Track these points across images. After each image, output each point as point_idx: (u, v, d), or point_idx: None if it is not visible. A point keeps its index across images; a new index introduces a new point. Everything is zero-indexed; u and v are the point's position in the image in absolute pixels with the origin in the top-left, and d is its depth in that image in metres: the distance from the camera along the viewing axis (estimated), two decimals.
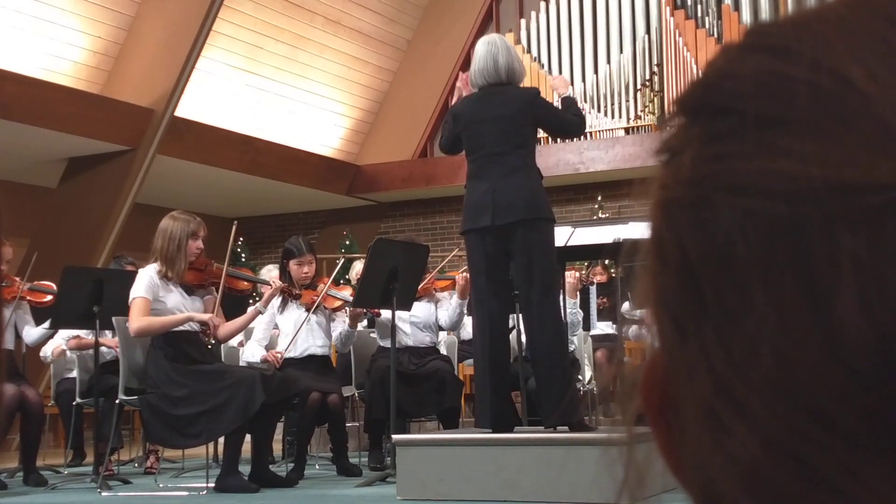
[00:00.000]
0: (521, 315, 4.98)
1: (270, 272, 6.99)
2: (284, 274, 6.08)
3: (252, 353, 6.04)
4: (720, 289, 0.31)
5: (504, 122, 4.63)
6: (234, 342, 6.59)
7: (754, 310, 0.31)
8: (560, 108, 4.98)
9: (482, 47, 4.79)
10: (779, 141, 0.31)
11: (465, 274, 5.82)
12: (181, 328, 5.34)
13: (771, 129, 0.31)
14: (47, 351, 6.88)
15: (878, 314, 0.29)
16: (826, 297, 0.30)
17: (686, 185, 0.33)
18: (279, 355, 5.92)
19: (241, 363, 6.15)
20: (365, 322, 6.92)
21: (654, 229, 0.34)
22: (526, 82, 11.34)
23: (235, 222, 6.30)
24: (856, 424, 0.29)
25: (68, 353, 6.82)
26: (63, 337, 6.77)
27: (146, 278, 5.32)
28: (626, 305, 6.68)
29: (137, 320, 5.24)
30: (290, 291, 5.95)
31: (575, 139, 11.28)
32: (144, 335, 5.33)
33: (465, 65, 10.98)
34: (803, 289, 0.30)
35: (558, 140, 11.27)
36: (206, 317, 5.33)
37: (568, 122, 4.91)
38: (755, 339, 0.30)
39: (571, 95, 5.14)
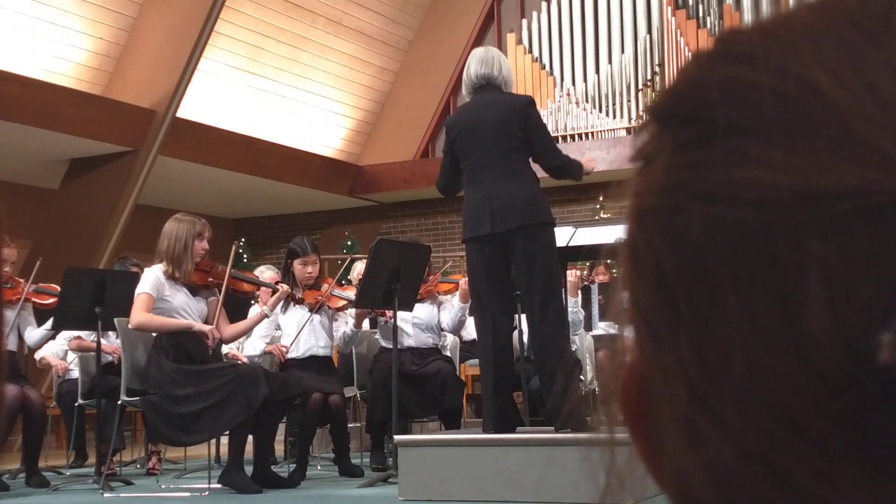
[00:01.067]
0: (523, 317, 4.97)
1: (264, 273, 6.98)
2: (288, 274, 6.09)
3: (253, 346, 6.03)
4: (693, 296, 0.32)
5: (497, 126, 4.63)
6: (225, 347, 6.58)
7: (726, 317, 0.31)
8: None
9: (470, 59, 4.83)
10: (747, 149, 0.31)
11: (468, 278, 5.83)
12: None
13: (739, 136, 0.31)
14: (42, 353, 6.87)
15: (846, 321, 0.29)
16: (795, 305, 0.30)
17: (658, 193, 0.33)
18: (284, 349, 5.93)
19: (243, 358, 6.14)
20: (367, 323, 6.92)
21: (629, 236, 0.34)
22: (527, 83, 11.24)
23: (235, 242, 6.26)
24: (827, 431, 0.29)
25: (71, 352, 6.83)
26: (66, 337, 6.78)
27: (152, 276, 5.35)
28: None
29: (139, 314, 5.28)
30: (292, 296, 5.95)
31: (576, 140, 11.29)
32: (142, 330, 5.38)
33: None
34: (773, 296, 0.30)
35: (559, 140, 11.27)
36: (206, 328, 5.33)
37: (555, 152, 4.81)
38: (727, 347, 0.31)
39: (581, 168, 4.92)
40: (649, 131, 0.35)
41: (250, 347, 6.08)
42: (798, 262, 0.30)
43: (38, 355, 6.98)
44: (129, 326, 5.40)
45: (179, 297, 5.38)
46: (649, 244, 0.33)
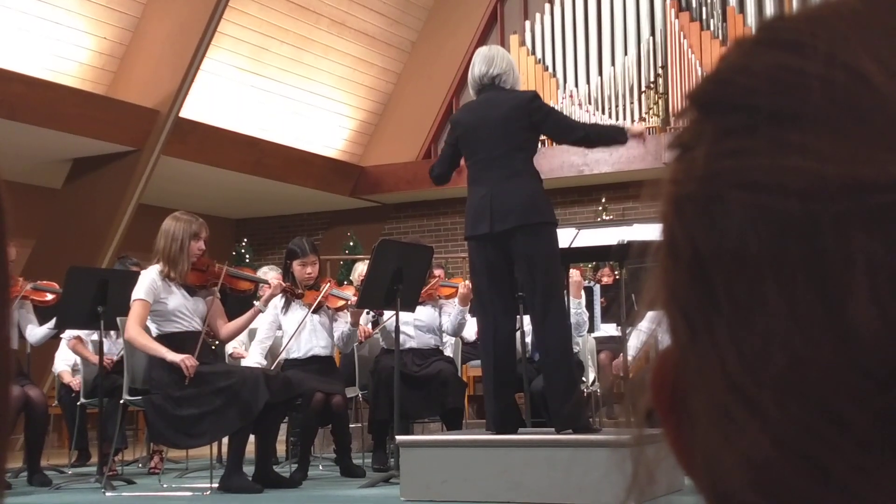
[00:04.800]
0: (526, 318, 4.97)
1: (267, 274, 6.97)
2: (288, 275, 6.08)
3: (254, 360, 6.04)
4: (732, 286, 0.31)
5: (500, 125, 4.61)
6: (230, 347, 6.59)
7: (766, 308, 0.30)
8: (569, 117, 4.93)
9: (475, 58, 4.82)
10: (792, 137, 0.31)
11: (467, 282, 5.82)
12: (185, 329, 5.35)
13: (784, 125, 0.31)
14: (58, 369, 6.93)
15: (891, 315, 0.29)
16: (839, 297, 0.29)
17: (698, 181, 0.33)
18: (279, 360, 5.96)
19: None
20: (369, 324, 6.92)
21: (665, 225, 0.34)
22: (530, 84, 11.26)
23: (227, 262, 6.21)
24: (869, 426, 0.29)
25: (78, 362, 6.84)
26: (67, 338, 6.77)
27: (148, 280, 5.33)
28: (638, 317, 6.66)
29: (132, 328, 5.26)
30: (292, 291, 5.95)
31: None
32: (130, 343, 5.36)
33: (470, 66, 10.99)
34: (816, 288, 0.30)
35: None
36: (177, 358, 5.14)
37: (572, 127, 4.83)
38: (767, 338, 0.30)
39: (625, 131, 4.86)
40: (688, 118, 0.34)
41: (251, 360, 6.07)
42: (843, 254, 0.29)
43: (56, 370, 7.00)
44: (123, 337, 5.38)
45: (176, 299, 5.36)
46: (687, 232, 0.33)
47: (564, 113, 11.43)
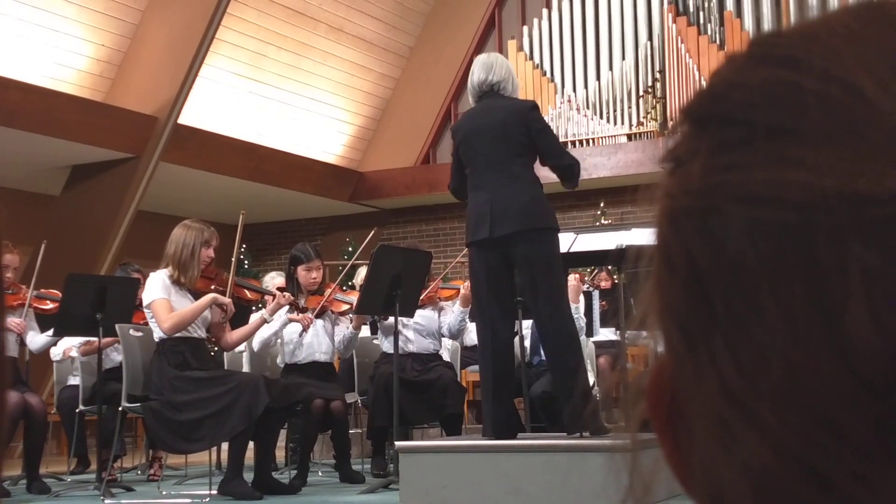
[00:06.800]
0: (530, 323, 4.97)
1: (274, 279, 6.97)
2: (292, 281, 6.08)
3: (269, 327, 5.85)
4: (729, 297, 0.31)
5: (499, 130, 4.63)
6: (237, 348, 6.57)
7: (764, 319, 0.31)
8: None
9: (474, 66, 4.84)
10: (789, 151, 0.31)
11: (469, 283, 5.82)
12: (190, 335, 5.35)
13: (781, 139, 0.31)
14: (57, 352, 6.86)
15: (888, 324, 0.29)
16: (836, 307, 0.30)
17: (694, 195, 0.33)
18: (310, 317, 5.87)
19: (256, 341, 6.01)
20: (368, 329, 6.92)
21: (660, 238, 0.34)
22: (528, 89, 11.24)
23: (242, 213, 6.23)
24: (866, 434, 0.29)
25: (79, 358, 6.81)
26: (74, 344, 6.75)
27: (159, 281, 5.34)
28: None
29: (167, 319, 5.24)
30: (295, 304, 5.93)
31: (577, 146, 11.30)
32: (179, 329, 5.29)
33: (468, 72, 11.00)
34: (813, 298, 0.30)
35: None
36: (227, 300, 5.42)
37: (563, 153, 4.82)
38: (765, 348, 0.31)
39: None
40: (682, 132, 0.34)
41: (266, 330, 5.91)
42: (839, 266, 0.30)
43: (54, 356, 6.87)
44: (165, 333, 5.28)
45: (184, 304, 5.38)
46: (683, 245, 0.33)
47: (564, 117, 11.51)
